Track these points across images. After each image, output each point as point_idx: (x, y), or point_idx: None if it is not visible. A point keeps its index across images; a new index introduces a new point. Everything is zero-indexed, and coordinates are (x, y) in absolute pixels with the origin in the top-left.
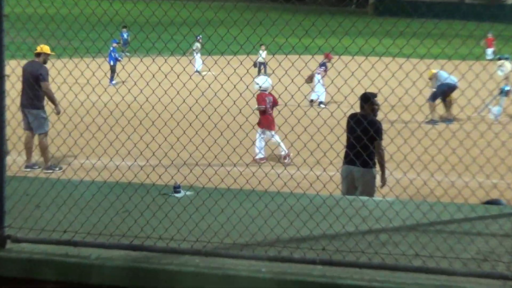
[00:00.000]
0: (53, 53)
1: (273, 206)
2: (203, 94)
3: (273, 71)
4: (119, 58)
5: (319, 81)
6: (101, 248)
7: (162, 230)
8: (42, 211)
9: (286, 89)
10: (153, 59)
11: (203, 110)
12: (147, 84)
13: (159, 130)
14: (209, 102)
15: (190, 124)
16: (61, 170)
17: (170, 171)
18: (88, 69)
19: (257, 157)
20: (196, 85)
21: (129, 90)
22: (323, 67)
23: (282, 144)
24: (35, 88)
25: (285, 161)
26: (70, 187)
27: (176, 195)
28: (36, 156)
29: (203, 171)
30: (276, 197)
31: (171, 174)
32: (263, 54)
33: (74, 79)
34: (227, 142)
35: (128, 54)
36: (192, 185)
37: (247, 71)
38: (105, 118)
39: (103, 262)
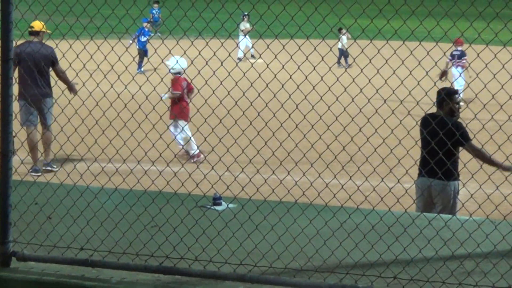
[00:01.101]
0: (49, 31)
1: (335, 223)
2: (252, 85)
3: (354, 60)
4: (146, 37)
5: (460, 75)
6: (125, 270)
7: (199, 250)
8: (54, 223)
9: (370, 81)
10: (192, 42)
11: (251, 104)
12: (184, 71)
13: (197, 129)
14: (258, 95)
15: (236, 122)
16: (57, 169)
17: (210, 179)
18: (113, 52)
19: (192, 152)
20: (244, 74)
21: (162, 79)
22: (464, 58)
23: (193, 139)
24: (47, 73)
25: (193, 161)
26: (89, 196)
27: (217, 208)
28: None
29: (250, 180)
30: (339, 213)
31: (211, 183)
32: (343, 39)
33: (96, 64)
34: (280, 145)
35: (159, 34)
36: (236, 196)
37: (322, 61)
38: (132, 113)
39: (127, 287)
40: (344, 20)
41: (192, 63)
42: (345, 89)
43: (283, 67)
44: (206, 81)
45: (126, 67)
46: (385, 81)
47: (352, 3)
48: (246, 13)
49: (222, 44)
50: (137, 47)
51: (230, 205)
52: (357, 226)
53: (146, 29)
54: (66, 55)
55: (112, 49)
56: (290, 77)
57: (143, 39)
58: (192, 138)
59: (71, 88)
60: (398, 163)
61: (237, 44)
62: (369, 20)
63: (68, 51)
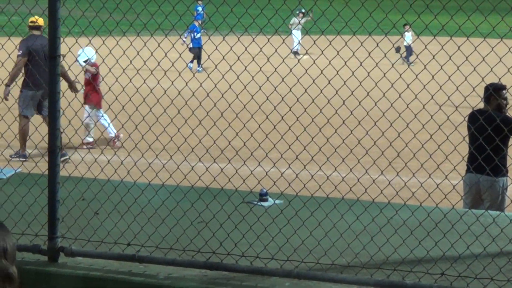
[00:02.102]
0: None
1: (382, 219)
2: (298, 81)
3: (417, 56)
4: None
5: None
6: (172, 266)
7: (246, 245)
8: (101, 219)
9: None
10: (238, 38)
11: (298, 101)
12: (230, 68)
13: (244, 125)
14: (305, 91)
15: (282, 117)
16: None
17: (256, 175)
18: (159, 48)
19: (86, 140)
20: (290, 70)
21: (208, 75)
22: None
23: (111, 125)
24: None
25: (116, 144)
26: (136, 191)
27: (263, 203)
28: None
29: (296, 175)
30: (386, 209)
31: (258, 178)
32: (407, 36)
33: (143, 60)
34: (327, 141)
35: (204, 31)
36: (283, 192)
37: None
38: (179, 109)
39: (173, 283)
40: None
41: (238, 59)
42: (391, 85)
43: (329, 63)
44: (252, 77)
45: (173, 63)
46: (449, 77)
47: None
48: (303, 10)
49: (268, 40)
50: (192, 46)
51: (277, 201)
52: (404, 222)
53: (196, 27)
54: (113, 52)
55: (159, 46)
56: (337, 73)
57: (197, 36)
58: (111, 124)
59: (72, 87)
60: (446, 159)
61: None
62: (420, 16)
63: (115, 47)
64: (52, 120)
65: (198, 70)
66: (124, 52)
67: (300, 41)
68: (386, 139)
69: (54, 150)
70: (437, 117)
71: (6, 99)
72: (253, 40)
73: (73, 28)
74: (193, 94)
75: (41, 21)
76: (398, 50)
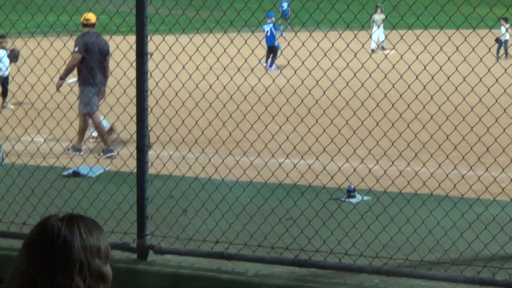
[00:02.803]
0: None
1: (471, 215)
2: (385, 76)
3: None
4: (277, 31)
5: None
6: (260, 263)
7: (334, 242)
8: (190, 216)
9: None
10: (325, 34)
11: (385, 96)
12: (317, 64)
13: (332, 121)
14: (393, 86)
15: (370, 113)
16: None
17: (344, 171)
18: (246, 45)
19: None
20: (378, 66)
21: (295, 72)
22: None
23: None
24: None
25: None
26: (224, 189)
27: (351, 200)
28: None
29: (384, 172)
30: (475, 205)
31: (345, 175)
32: (506, 30)
33: (230, 57)
34: (415, 136)
35: (290, 27)
36: (371, 188)
37: (457, 51)
38: (266, 106)
39: (262, 280)
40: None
41: (325, 55)
42: (480, 79)
43: (417, 58)
44: (339, 73)
45: (260, 60)
46: None
47: None
48: (380, 4)
49: (355, 35)
50: (271, 44)
51: (365, 198)
52: (494, 218)
53: (275, 25)
54: (200, 49)
55: (246, 42)
56: (425, 68)
57: (276, 34)
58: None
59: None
60: None
61: (370, 36)
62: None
63: (202, 44)
64: (140, 118)
65: (270, 67)
66: (211, 49)
67: (385, 37)
68: (475, 134)
69: (143, 148)
70: None
71: (59, 91)
72: (340, 36)
73: (160, 26)
74: (280, 90)
75: (94, 18)
76: (498, 41)
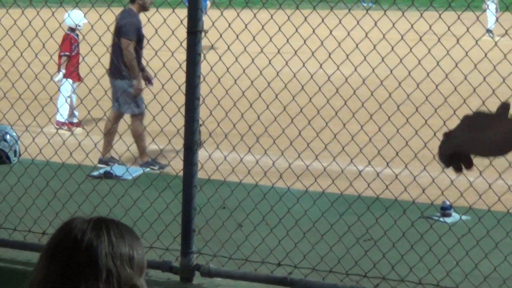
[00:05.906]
0: None
1: None
2: (494, 68)
3: None
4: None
5: None
6: None
7: (424, 270)
8: (246, 232)
9: None
10: (421, 14)
11: (493, 92)
12: (411, 50)
13: (426, 121)
14: (503, 81)
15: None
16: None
17: (439, 184)
18: (323, 25)
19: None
20: (485, 54)
21: (382, 59)
22: None
23: (66, 104)
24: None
25: (74, 128)
26: (289, 200)
27: (446, 219)
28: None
29: (489, 186)
30: None
31: (440, 188)
32: None
33: (302, 39)
34: None
35: (371, 4)
36: (472, 206)
37: None
38: (345, 100)
39: None
40: None
41: (420, 39)
42: None
43: None
44: (437, 62)
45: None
46: None
47: None
48: None
49: (458, 16)
50: None
51: (463, 217)
52: None
53: None
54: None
55: (323, 21)
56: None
57: None
58: (67, 101)
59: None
60: None
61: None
62: None
63: (269, 22)
64: (190, 110)
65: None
66: (279, 28)
67: (497, 19)
68: None
69: (191, 146)
70: None
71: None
72: (440, 16)
73: None
74: (363, 81)
75: None
76: None
